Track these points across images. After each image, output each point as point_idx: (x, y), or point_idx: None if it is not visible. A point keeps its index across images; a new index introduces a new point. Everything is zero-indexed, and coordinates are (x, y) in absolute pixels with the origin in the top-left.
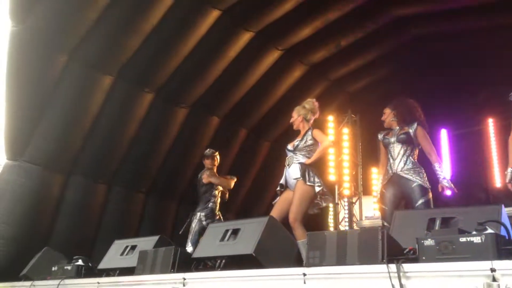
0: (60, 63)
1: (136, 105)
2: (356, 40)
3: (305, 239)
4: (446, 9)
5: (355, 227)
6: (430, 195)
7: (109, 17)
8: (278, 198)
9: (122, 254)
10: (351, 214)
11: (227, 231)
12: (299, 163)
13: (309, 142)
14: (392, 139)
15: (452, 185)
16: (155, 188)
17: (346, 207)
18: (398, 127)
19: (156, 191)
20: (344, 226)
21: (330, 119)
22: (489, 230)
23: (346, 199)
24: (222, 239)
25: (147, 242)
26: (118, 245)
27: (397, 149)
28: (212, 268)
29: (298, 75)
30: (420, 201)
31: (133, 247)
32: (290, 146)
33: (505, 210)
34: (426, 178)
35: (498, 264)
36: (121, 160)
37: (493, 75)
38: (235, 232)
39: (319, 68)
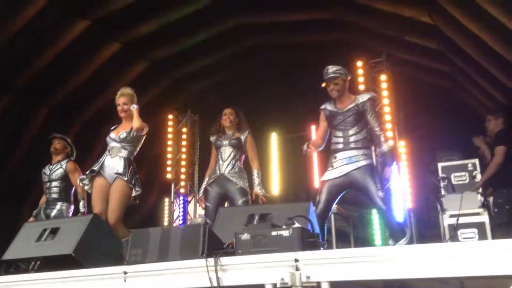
0: None
1: None
2: (200, 42)
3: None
4: (282, 22)
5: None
6: (249, 197)
7: None
8: (87, 182)
9: None
10: (185, 212)
11: (44, 230)
12: (125, 158)
13: (134, 135)
14: (225, 142)
15: (264, 192)
16: None
17: (182, 206)
18: (231, 132)
19: None
20: (178, 224)
21: (170, 117)
22: (297, 225)
23: (182, 197)
24: (39, 239)
25: None
26: None
27: (227, 152)
28: (26, 271)
29: (138, 70)
30: (240, 201)
31: None
32: (113, 135)
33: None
34: (247, 183)
35: (301, 254)
36: None
37: (317, 86)
38: (54, 231)
39: (161, 66)
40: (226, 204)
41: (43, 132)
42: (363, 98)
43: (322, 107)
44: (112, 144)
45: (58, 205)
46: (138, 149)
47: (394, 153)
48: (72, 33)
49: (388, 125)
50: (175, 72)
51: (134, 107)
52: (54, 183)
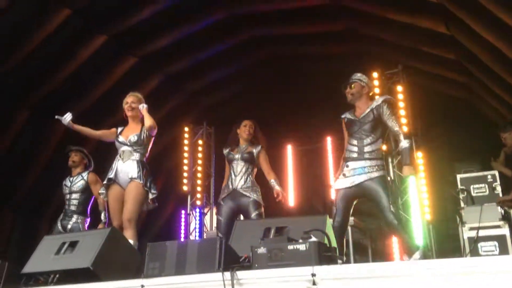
0: None
1: None
2: (214, 54)
3: (135, 241)
4: (295, 34)
5: (205, 237)
6: (262, 209)
7: None
8: (104, 191)
9: None
10: (202, 224)
11: (63, 243)
12: (138, 161)
13: (145, 137)
14: (237, 156)
15: (284, 196)
16: None
17: (198, 218)
18: (245, 145)
19: None
20: (194, 236)
21: (186, 130)
22: (313, 239)
23: (198, 209)
24: (58, 252)
25: None
26: None
27: (240, 166)
28: (45, 284)
29: (154, 84)
30: (254, 213)
31: None
32: (122, 138)
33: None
34: (261, 196)
35: (318, 269)
36: None
37: (333, 98)
38: (73, 244)
39: (176, 79)
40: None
41: (60, 146)
42: (377, 101)
43: (343, 116)
44: (123, 148)
45: (74, 218)
46: (149, 150)
47: (412, 152)
48: (90, 48)
49: None
50: (190, 85)
51: (143, 106)
52: (74, 195)
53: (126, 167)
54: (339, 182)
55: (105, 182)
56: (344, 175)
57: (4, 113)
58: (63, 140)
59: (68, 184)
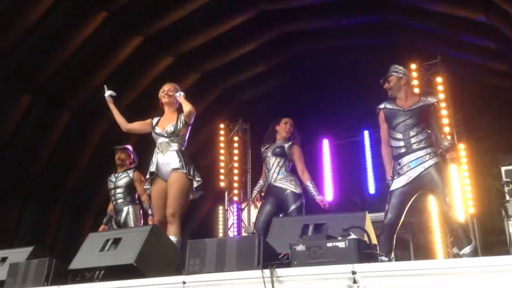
0: None
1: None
2: (248, 51)
3: (179, 237)
4: (331, 27)
5: (243, 233)
6: (303, 200)
7: None
8: (149, 187)
9: None
10: (240, 220)
11: (107, 240)
12: (177, 151)
13: (182, 126)
14: (269, 153)
15: (325, 200)
16: (33, 195)
17: (236, 213)
18: (280, 141)
19: (35, 198)
20: (232, 232)
21: (222, 127)
22: (353, 236)
23: (235, 205)
24: (102, 249)
25: (20, 254)
26: None
27: (271, 162)
28: (91, 279)
29: (190, 82)
30: (292, 207)
31: (4, 259)
32: (159, 129)
33: (377, 215)
34: (298, 185)
35: (358, 267)
36: None
37: (370, 91)
38: (116, 241)
39: (211, 77)
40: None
41: (102, 144)
42: (429, 100)
43: (381, 106)
44: (160, 140)
45: (125, 210)
46: (187, 139)
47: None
48: (128, 49)
49: (446, 129)
50: (225, 82)
51: (180, 94)
52: (119, 189)
53: (167, 158)
54: (396, 182)
55: (147, 176)
56: (398, 173)
57: (47, 115)
58: (105, 138)
59: (113, 179)
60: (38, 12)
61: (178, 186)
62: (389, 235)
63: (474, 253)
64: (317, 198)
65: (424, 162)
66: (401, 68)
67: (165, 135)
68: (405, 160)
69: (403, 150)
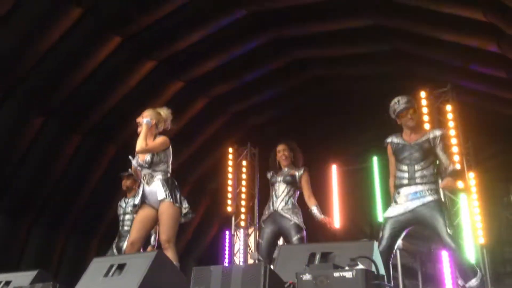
0: None
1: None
2: (258, 77)
3: (176, 262)
4: (341, 55)
5: (249, 259)
6: (304, 233)
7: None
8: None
9: None
10: (246, 245)
11: (111, 266)
12: (161, 180)
13: (158, 154)
14: (279, 179)
15: (331, 221)
16: (41, 216)
17: (242, 238)
18: (287, 168)
19: (43, 220)
20: (238, 258)
21: (230, 151)
22: (360, 266)
23: (242, 230)
24: (106, 274)
25: (24, 278)
26: None
27: (281, 189)
28: None
29: (199, 107)
30: (295, 237)
31: (7, 283)
32: (140, 160)
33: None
34: (302, 219)
35: None
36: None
37: (379, 118)
38: (121, 267)
39: (220, 101)
40: (280, 241)
41: (111, 168)
42: (435, 133)
43: (388, 140)
44: (144, 171)
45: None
46: (170, 163)
47: (463, 172)
48: (141, 73)
49: (456, 157)
50: (235, 106)
51: (145, 121)
52: (128, 216)
53: (152, 189)
54: (391, 210)
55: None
56: (395, 202)
57: (58, 138)
58: (113, 162)
59: (123, 205)
60: (53, 38)
61: (167, 215)
62: (384, 262)
63: (481, 285)
64: (324, 218)
65: (423, 197)
66: (413, 99)
67: (146, 166)
68: (405, 191)
69: (405, 181)
